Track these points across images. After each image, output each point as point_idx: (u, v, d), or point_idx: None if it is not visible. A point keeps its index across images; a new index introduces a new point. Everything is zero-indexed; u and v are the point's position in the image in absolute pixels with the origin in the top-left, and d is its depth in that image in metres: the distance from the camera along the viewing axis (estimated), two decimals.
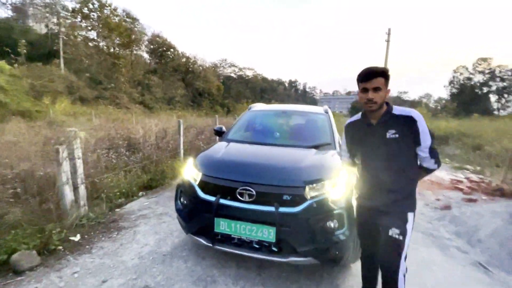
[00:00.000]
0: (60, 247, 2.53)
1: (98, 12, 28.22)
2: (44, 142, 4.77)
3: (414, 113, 1.51)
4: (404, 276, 1.53)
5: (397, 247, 1.51)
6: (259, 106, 4.01)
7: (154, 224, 3.19)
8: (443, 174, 6.29)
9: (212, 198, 2.05)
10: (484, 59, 44.52)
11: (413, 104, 45.96)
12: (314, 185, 2.02)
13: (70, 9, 27.48)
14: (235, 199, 2.02)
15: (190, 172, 2.37)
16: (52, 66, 22.30)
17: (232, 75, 49.99)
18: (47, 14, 27.67)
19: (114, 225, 3.12)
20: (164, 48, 35.33)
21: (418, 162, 1.59)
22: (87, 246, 2.64)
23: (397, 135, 1.50)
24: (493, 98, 44.89)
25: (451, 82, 47.90)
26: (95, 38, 29.41)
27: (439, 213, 3.85)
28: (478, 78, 45.07)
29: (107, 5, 28.11)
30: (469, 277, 2.42)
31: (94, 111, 15.77)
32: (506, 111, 41.77)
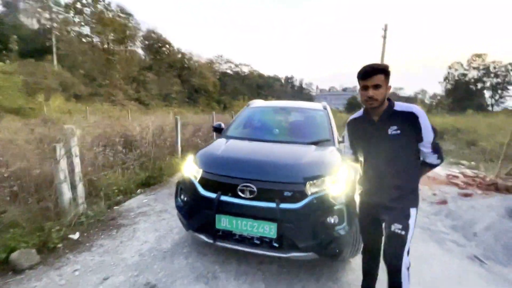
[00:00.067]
0: (60, 245, 2.52)
1: (91, 7, 27.74)
2: (39, 140, 4.71)
3: (416, 109, 1.51)
4: (408, 270, 1.55)
5: (400, 242, 1.53)
6: (258, 103, 4.00)
7: (154, 221, 3.19)
8: (438, 169, 6.37)
9: (213, 195, 2.06)
10: (479, 55, 44.90)
11: (408, 100, 46.28)
12: (315, 181, 2.03)
13: (63, 3, 26.94)
14: (236, 195, 2.03)
15: (190, 169, 2.36)
16: (45, 63, 21.91)
17: (228, 71, 49.74)
18: (39, 9, 27.10)
19: (113, 223, 3.11)
20: (160, 44, 34.95)
21: (421, 158, 1.60)
22: (86, 244, 2.63)
23: (398, 132, 1.51)
24: (487, 94, 45.42)
25: (446, 78, 48.29)
26: (89, 34, 28.96)
27: (436, 208, 3.91)
28: (473, 74, 45.51)
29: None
30: (466, 270, 2.48)
31: (89, 108, 15.58)
32: (499, 107, 42.32)
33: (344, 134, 1.94)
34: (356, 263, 2.44)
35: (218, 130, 3.43)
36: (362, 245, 2.23)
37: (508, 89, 42.92)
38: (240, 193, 2.01)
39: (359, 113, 1.76)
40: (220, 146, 2.61)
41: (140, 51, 36.00)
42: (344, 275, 2.29)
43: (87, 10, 27.65)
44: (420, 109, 1.51)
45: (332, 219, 1.99)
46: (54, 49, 24.37)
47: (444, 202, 4.12)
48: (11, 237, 2.28)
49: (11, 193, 2.95)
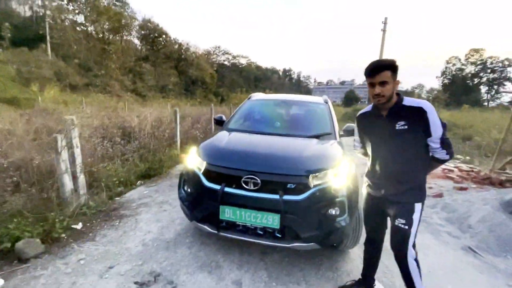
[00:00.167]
0: (63, 235, 2.54)
1: None
2: (37, 130, 4.67)
3: (424, 104, 1.50)
4: (416, 260, 1.59)
5: (404, 236, 1.58)
6: (259, 96, 4.00)
7: (156, 212, 3.22)
8: None
9: (217, 187, 2.08)
10: (476, 50, 45.01)
11: (405, 94, 46.39)
12: (317, 174, 2.07)
13: None
14: (240, 187, 2.06)
15: (194, 161, 2.38)
16: (38, 51, 21.44)
17: (226, 63, 49.23)
18: None
19: (115, 214, 3.14)
20: (156, 34, 34.31)
21: (430, 153, 1.59)
22: (90, 234, 2.66)
23: (406, 127, 1.51)
24: (483, 89, 45.73)
25: (443, 73, 48.47)
26: (83, 22, 28.26)
27: (432, 201, 4.00)
28: (470, 69, 45.69)
29: None
30: (460, 261, 2.57)
31: (85, 99, 15.38)
32: (495, 103, 42.70)
33: (354, 128, 1.96)
34: (355, 253, 2.51)
35: (220, 123, 3.44)
36: (361, 236, 2.31)
37: (504, 84, 43.25)
38: (244, 185, 2.04)
39: (368, 107, 1.77)
40: (223, 138, 2.62)
41: (136, 41, 35.40)
42: (344, 265, 2.36)
43: None
44: (429, 104, 1.51)
45: (333, 211, 2.04)
46: (48, 38, 23.78)
47: (440, 195, 4.21)
48: (16, 227, 2.30)
49: (12, 184, 2.95)
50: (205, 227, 2.20)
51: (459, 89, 43.67)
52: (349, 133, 3.02)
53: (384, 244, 1.90)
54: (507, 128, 5.18)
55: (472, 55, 45.34)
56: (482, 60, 44.42)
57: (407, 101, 1.55)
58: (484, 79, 44.70)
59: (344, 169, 2.20)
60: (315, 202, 2.00)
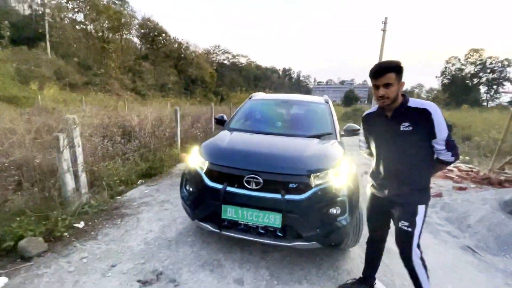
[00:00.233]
0: (66, 234, 2.55)
1: None
2: (38, 129, 4.67)
3: (430, 105, 1.50)
4: (421, 259, 1.61)
5: (407, 237, 1.59)
6: (260, 95, 4.01)
7: (157, 211, 3.23)
8: None
9: (219, 186, 2.10)
10: (476, 50, 45.05)
11: None
12: (319, 174, 2.08)
13: None
14: (242, 186, 2.07)
15: (196, 160, 2.40)
16: (38, 50, 21.38)
17: (226, 62, 49.15)
18: None
19: (117, 212, 3.15)
20: (156, 33, 34.21)
21: (435, 155, 1.58)
22: (92, 233, 2.67)
23: (410, 128, 1.51)
24: (482, 89, 45.80)
25: (443, 73, 48.50)
26: (83, 20, 28.16)
27: (431, 201, 3.95)
28: (469, 69, 45.74)
29: None
30: (459, 260, 2.59)
31: (85, 98, 15.36)
32: (494, 103, 42.79)
33: (360, 128, 1.98)
34: (355, 252, 2.54)
35: (221, 122, 3.45)
36: (361, 235, 2.33)
37: (503, 85, 43.34)
38: (246, 184, 2.06)
39: (374, 108, 1.78)
40: (225, 138, 2.64)
41: (136, 40, 35.30)
42: (344, 263, 2.38)
43: None
44: (435, 106, 1.50)
45: (334, 210, 2.05)
46: (47, 36, 23.72)
47: (439, 195, 4.23)
48: (18, 226, 2.31)
49: (13, 182, 2.96)
50: (207, 226, 2.21)
51: (459, 89, 43.75)
52: (349, 133, 3.04)
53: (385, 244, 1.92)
54: (506, 128, 5.21)
55: (472, 55, 45.39)
56: (481, 60, 44.47)
57: (413, 102, 1.55)
58: (484, 79, 44.77)
59: (345, 169, 2.22)
60: (317, 201, 2.01)
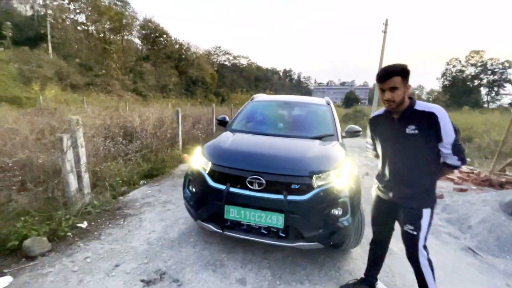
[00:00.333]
0: (69, 234, 2.58)
1: None
2: (40, 130, 4.70)
3: (436, 109, 1.49)
4: (428, 259, 1.62)
5: (413, 240, 1.61)
6: (262, 97, 4.04)
7: (159, 212, 3.26)
8: None
9: (222, 187, 2.12)
10: (477, 52, 45.06)
11: None
12: (321, 175, 2.10)
13: None
14: (245, 187, 2.09)
15: (199, 161, 2.42)
16: (40, 51, 21.46)
17: (226, 63, 49.24)
18: None
19: (119, 213, 3.17)
20: (157, 34, 34.31)
21: (441, 159, 1.57)
22: (95, 233, 2.69)
23: (417, 131, 1.51)
24: (483, 91, 45.77)
25: (443, 74, 48.51)
26: (84, 21, 28.30)
27: None
28: (470, 70, 45.74)
29: None
30: (460, 261, 2.61)
31: (86, 99, 15.40)
32: (495, 104, 42.75)
33: (367, 131, 1.98)
34: (357, 253, 2.55)
35: (223, 123, 3.47)
36: (363, 236, 2.35)
37: (504, 86, 43.33)
38: (249, 185, 2.08)
39: (381, 110, 1.79)
40: (227, 139, 2.66)
41: (137, 41, 35.44)
42: (346, 264, 2.39)
43: None
44: (442, 110, 1.50)
45: (336, 211, 2.07)
46: (49, 37, 23.82)
47: (440, 196, 4.24)
48: (23, 225, 2.33)
49: (17, 183, 2.98)
50: (210, 226, 2.23)
51: (459, 90, 43.73)
52: (351, 134, 3.06)
53: None
54: (507, 130, 5.22)
55: (473, 57, 45.41)
56: (482, 61, 44.49)
57: (419, 105, 1.54)
58: (484, 81, 44.76)
59: (347, 170, 2.24)
60: (319, 202, 2.03)
